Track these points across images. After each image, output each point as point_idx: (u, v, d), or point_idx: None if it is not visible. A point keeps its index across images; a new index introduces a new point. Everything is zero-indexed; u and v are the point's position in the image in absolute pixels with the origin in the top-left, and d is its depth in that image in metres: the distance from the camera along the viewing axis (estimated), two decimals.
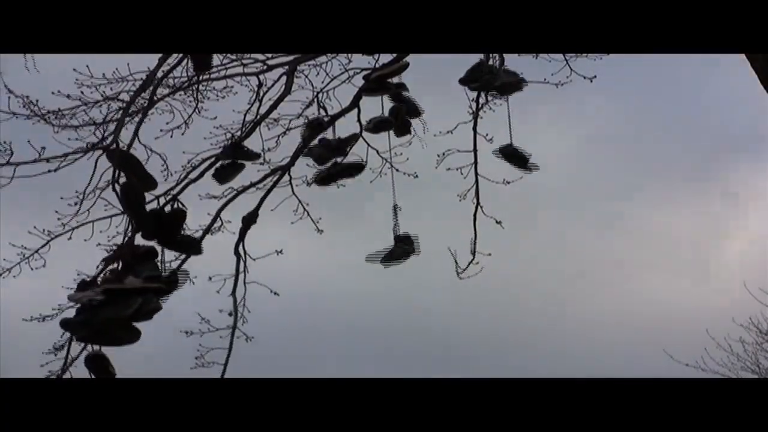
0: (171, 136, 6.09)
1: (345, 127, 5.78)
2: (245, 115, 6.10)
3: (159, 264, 4.64)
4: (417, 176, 6.21)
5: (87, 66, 5.53)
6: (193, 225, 5.50)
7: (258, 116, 6.00)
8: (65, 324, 4.38)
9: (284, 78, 5.81)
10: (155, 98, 5.49)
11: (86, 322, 4.16)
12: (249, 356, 6.15)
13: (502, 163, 5.59)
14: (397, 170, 6.02)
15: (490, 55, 5.24)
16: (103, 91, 5.72)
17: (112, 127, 5.49)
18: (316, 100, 5.92)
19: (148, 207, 4.91)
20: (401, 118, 5.51)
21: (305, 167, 5.95)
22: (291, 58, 5.72)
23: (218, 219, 5.97)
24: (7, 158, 5.17)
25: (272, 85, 5.99)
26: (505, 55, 5.32)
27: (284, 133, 6.16)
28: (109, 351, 4.49)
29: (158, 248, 4.75)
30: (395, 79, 5.41)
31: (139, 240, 4.73)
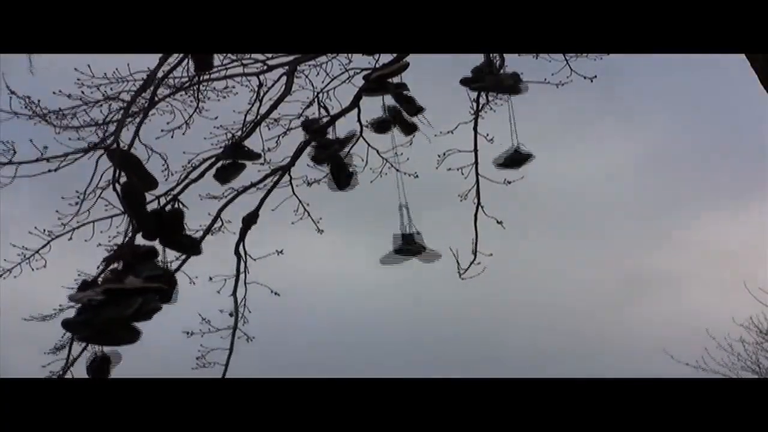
0: (172, 137, 6.09)
1: (345, 127, 5.80)
2: (245, 115, 6.11)
3: (160, 264, 4.64)
4: (417, 176, 6.22)
5: (88, 66, 5.54)
6: (193, 225, 5.51)
7: (258, 116, 6.01)
8: (66, 324, 4.38)
9: (284, 78, 5.81)
10: (156, 98, 5.49)
11: (87, 322, 4.16)
12: (250, 356, 6.16)
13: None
14: (397, 170, 6.02)
15: (491, 55, 5.24)
16: (104, 91, 5.73)
17: (112, 127, 5.49)
18: (316, 100, 5.93)
19: (149, 207, 4.92)
20: (400, 118, 5.52)
21: (305, 167, 5.97)
22: (291, 58, 5.72)
23: (219, 219, 5.98)
24: (9, 158, 5.18)
25: (272, 85, 6.01)
26: (505, 55, 5.33)
27: (284, 133, 6.17)
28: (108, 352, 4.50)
29: (159, 248, 4.76)
30: (395, 79, 5.41)
31: (139, 240, 4.73)
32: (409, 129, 5.63)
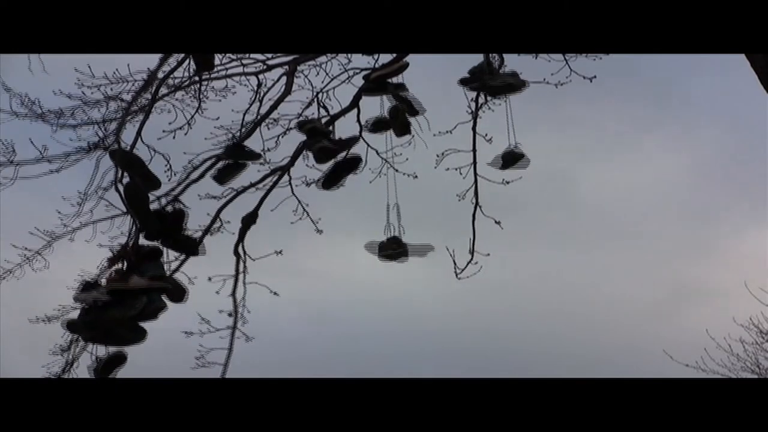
0: (174, 137, 6.09)
1: (345, 128, 5.80)
2: (245, 115, 6.11)
3: (163, 263, 4.65)
4: (416, 176, 6.22)
5: (88, 66, 5.54)
6: (193, 225, 5.51)
7: (258, 116, 6.01)
8: (71, 325, 4.37)
9: (284, 78, 5.81)
10: (156, 98, 5.49)
11: (93, 322, 4.16)
12: (249, 356, 6.16)
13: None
14: (396, 170, 6.03)
15: (490, 55, 5.24)
16: (105, 91, 5.72)
17: (113, 127, 5.49)
18: (316, 100, 5.93)
19: (151, 207, 4.92)
20: (400, 118, 5.52)
21: (305, 167, 5.97)
22: (291, 58, 5.72)
23: (218, 219, 5.97)
24: (10, 158, 5.18)
25: (272, 85, 6.01)
26: (505, 55, 5.33)
27: (284, 133, 6.16)
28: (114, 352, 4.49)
29: (163, 248, 4.76)
30: (395, 79, 5.41)
31: (142, 240, 4.73)
32: (406, 129, 5.63)
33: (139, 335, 4.21)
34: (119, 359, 4.48)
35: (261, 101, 6.06)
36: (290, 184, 6.15)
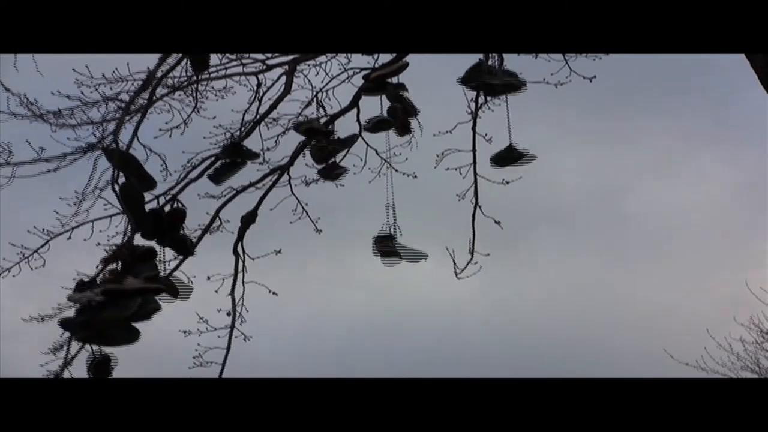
0: (170, 136, 6.09)
1: (345, 128, 5.80)
2: (244, 115, 6.11)
3: (158, 264, 4.64)
4: (416, 176, 6.22)
5: (86, 66, 5.53)
6: (192, 224, 5.51)
7: (257, 116, 6.01)
8: (65, 324, 4.37)
9: (284, 78, 5.81)
10: (154, 98, 5.48)
11: (86, 322, 4.15)
12: (247, 356, 6.15)
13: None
14: (396, 170, 6.03)
15: (490, 55, 5.23)
16: (103, 91, 5.71)
17: (111, 127, 5.49)
18: (315, 99, 5.93)
19: (148, 207, 4.91)
20: (399, 118, 5.51)
21: (304, 167, 5.97)
22: (290, 58, 5.72)
23: (217, 218, 5.97)
24: (7, 158, 5.17)
25: (272, 85, 6.01)
26: (504, 55, 5.32)
27: (284, 132, 6.16)
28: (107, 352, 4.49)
29: (158, 248, 4.75)
30: (395, 79, 5.41)
31: (138, 240, 4.72)
32: (406, 130, 5.63)
33: (133, 336, 4.20)
34: (111, 358, 4.47)
35: (260, 101, 6.07)
36: (290, 183, 6.16)
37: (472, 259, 6.23)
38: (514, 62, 5.37)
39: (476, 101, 6.01)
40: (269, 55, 5.78)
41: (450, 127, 6.15)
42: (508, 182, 6.02)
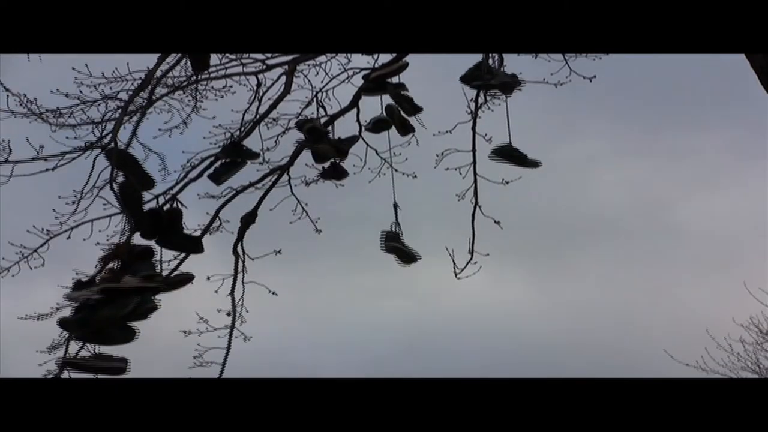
0: (170, 136, 6.09)
1: (345, 128, 5.80)
2: (244, 115, 6.11)
3: (156, 263, 4.63)
4: (416, 176, 6.22)
5: (86, 65, 5.53)
6: (191, 224, 5.50)
7: (257, 116, 6.01)
8: (63, 323, 4.37)
9: (284, 78, 5.81)
10: (154, 97, 5.48)
11: (83, 321, 4.16)
12: (247, 356, 6.15)
13: (501, 163, 5.57)
14: (396, 170, 6.02)
15: (490, 55, 5.23)
16: (102, 91, 5.72)
17: (110, 126, 5.49)
18: (315, 99, 5.92)
19: (147, 206, 4.91)
20: (397, 118, 5.51)
21: (304, 167, 5.97)
22: (290, 57, 5.72)
23: (217, 218, 5.97)
24: (6, 157, 5.17)
25: (271, 85, 6.01)
26: (504, 55, 5.32)
27: (283, 132, 6.16)
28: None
29: (157, 248, 4.75)
30: (395, 79, 5.40)
31: (138, 239, 4.72)
32: (407, 129, 5.62)
33: (129, 335, 4.20)
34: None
35: (260, 101, 6.07)
36: (289, 183, 6.16)
37: (471, 258, 6.23)
38: (514, 62, 5.38)
39: (476, 101, 6.01)
40: (269, 55, 5.78)
41: (450, 127, 6.15)
42: (507, 182, 6.02)
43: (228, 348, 5.86)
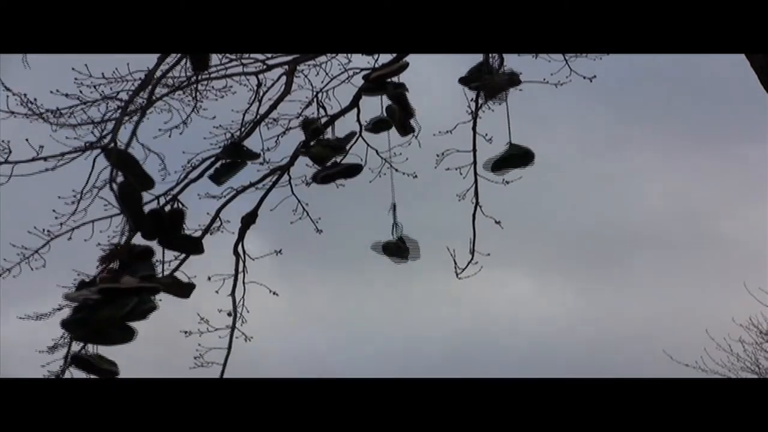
0: (170, 136, 6.09)
1: (345, 128, 5.79)
2: (244, 115, 6.11)
3: (155, 264, 4.63)
4: (416, 176, 6.22)
5: (86, 65, 5.53)
6: (192, 225, 5.50)
7: (257, 116, 6.01)
8: (63, 323, 4.37)
9: (284, 78, 5.81)
10: (154, 98, 5.48)
11: (82, 321, 4.15)
12: (248, 356, 6.15)
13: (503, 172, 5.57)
14: (396, 170, 6.02)
15: (490, 55, 5.23)
16: (102, 91, 5.71)
17: (110, 126, 5.49)
18: (315, 99, 5.93)
19: (147, 207, 4.91)
20: (397, 118, 5.51)
21: (305, 167, 5.96)
22: (291, 58, 5.72)
23: (217, 219, 5.97)
24: (5, 157, 5.17)
25: (272, 85, 6.01)
26: (505, 55, 5.31)
27: (284, 133, 6.17)
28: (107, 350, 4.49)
29: (157, 248, 4.75)
30: (395, 79, 5.40)
31: (139, 240, 4.72)
32: (407, 129, 5.62)
33: (128, 335, 4.20)
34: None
35: (260, 101, 6.07)
36: (290, 183, 6.16)
37: (472, 258, 6.23)
38: (514, 62, 5.37)
39: (476, 101, 6.01)
40: (269, 55, 5.78)
41: (450, 127, 6.15)
42: (508, 182, 6.02)
43: (229, 348, 5.87)
